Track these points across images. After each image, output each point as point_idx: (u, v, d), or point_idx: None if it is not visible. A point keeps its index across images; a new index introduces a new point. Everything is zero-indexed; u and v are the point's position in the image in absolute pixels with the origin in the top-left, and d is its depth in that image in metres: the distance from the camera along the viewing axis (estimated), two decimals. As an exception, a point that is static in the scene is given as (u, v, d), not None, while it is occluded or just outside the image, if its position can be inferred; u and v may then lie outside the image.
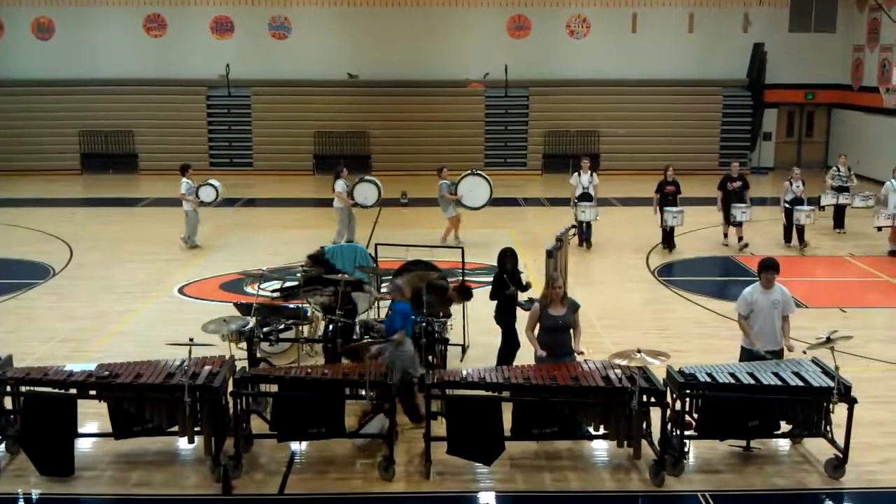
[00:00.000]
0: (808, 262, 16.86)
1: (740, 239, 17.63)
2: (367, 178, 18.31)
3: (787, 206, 17.66)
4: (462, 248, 12.64)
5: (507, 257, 10.42)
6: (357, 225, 17.76)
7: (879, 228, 17.73)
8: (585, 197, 17.74)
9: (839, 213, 19.19)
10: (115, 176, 28.26)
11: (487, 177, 18.50)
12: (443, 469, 8.22)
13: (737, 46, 28.94)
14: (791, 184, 17.72)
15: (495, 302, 10.39)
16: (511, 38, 29.28)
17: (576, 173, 18.13)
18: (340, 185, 17.54)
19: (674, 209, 17.24)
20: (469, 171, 18.46)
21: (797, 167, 18.73)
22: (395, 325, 9.04)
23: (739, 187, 17.61)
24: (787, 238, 17.91)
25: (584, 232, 17.66)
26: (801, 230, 17.62)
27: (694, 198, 20.51)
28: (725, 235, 18.09)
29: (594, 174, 18.12)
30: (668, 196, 17.41)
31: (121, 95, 28.69)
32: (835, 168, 19.65)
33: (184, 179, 17.79)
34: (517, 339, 10.24)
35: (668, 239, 17.59)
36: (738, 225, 17.56)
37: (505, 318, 10.34)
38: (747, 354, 9.03)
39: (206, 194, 17.89)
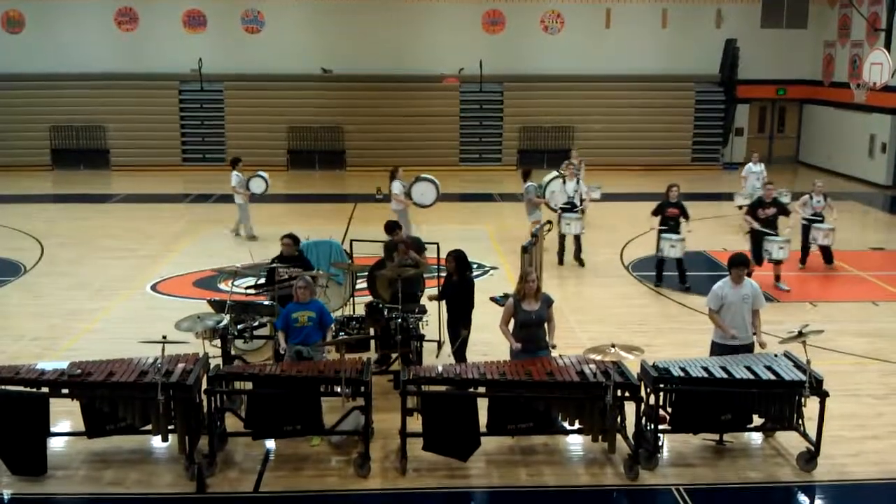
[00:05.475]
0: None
1: (778, 278, 14.45)
2: (424, 176, 17.51)
3: (804, 222, 15.60)
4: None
5: (447, 260, 9.98)
6: (412, 224, 17.12)
7: (740, 207, 18.27)
8: (570, 207, 15.83)
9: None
10: (86, 171, 27.98)
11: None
12: (419, 465, 8.23)
13: (709, 42, 29.14)
14: (812, 198, 15.64)
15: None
16: (486, 33, 29.30)
17: (559, 179, 16.21)
18: (397, 187, 16.75)
19: (673, 237, 14.31)
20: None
21: (818, 181, 16.06)
22: (328, 322, 9.17)
23: (773, 215, 14.41)
24: (804, 259, 15.77)
25: (563, 247, 15.90)
26: (825, 250, 15.68)
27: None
28: (749, 274, 13.77)
29: (581, 181, 16.11)
30: (669, 220, 14.49)
31: (92, 90, 28.42)
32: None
33: (234, 172, 18.33)
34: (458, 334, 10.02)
35: (659, 272, 14.71)
36: (776, 263, 14.36)
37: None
38: (718, 349, 9.09)
39: (257, 186, 18.60)
